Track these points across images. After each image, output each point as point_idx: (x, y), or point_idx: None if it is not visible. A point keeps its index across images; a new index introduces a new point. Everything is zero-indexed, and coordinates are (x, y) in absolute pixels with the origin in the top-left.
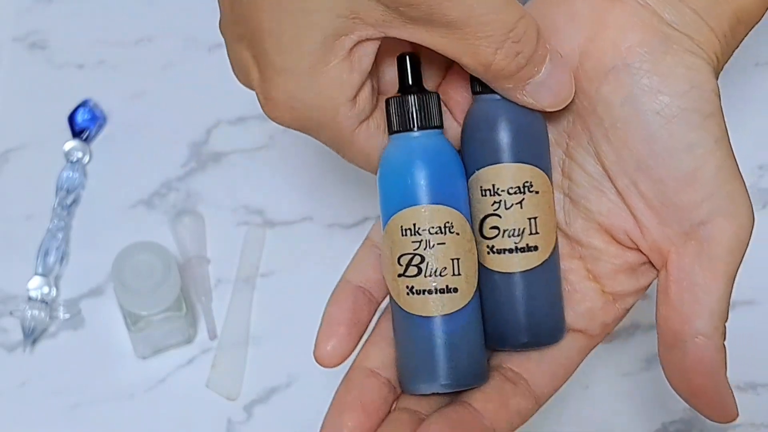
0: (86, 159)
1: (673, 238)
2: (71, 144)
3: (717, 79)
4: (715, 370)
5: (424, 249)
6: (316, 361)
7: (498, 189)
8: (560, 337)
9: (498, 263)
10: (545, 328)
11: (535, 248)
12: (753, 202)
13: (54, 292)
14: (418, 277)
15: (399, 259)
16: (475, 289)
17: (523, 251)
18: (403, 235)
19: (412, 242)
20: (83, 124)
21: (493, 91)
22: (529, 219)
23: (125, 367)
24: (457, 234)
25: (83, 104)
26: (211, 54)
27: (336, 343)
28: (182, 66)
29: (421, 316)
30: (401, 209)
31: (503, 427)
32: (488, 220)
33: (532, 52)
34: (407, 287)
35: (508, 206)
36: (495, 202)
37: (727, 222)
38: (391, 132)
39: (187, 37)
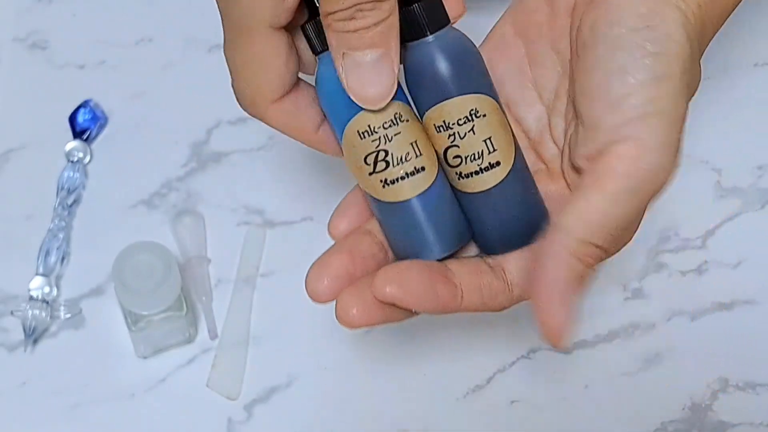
0: (87, 159)
1: (589, 157)
2: (72, 144)
3: (695, 31)
4: (559, 277)
5: (385, 144)
6: (330, 233)
7: (449, 123)
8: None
9: (469, 185)
10: (536, 226)
11: (498, 164)
12: (752, 202)
13: (55, 291)
14: (387, 170)
15: (365, 159)
16: (437, 163)
17: (488, 170)
18: (361, 138)
19: (372, 141)
20: (84, 125)
21: (418, 36)
22: (485, 141)
23: (126, 367)
24: (407, 120)
25: (84, 104)
26: (211, 54)
27: (348, 220)
28: (182, 66)
29: (400, 201)
30: (351, 117)
31: (471, 291)
32: (449, 151)
33: (364, 26)
34: (381, 181)
35: (462, 136)
36: (450, 135)
37: (634, 147)
38: (315, 53)
39: (187, 37)
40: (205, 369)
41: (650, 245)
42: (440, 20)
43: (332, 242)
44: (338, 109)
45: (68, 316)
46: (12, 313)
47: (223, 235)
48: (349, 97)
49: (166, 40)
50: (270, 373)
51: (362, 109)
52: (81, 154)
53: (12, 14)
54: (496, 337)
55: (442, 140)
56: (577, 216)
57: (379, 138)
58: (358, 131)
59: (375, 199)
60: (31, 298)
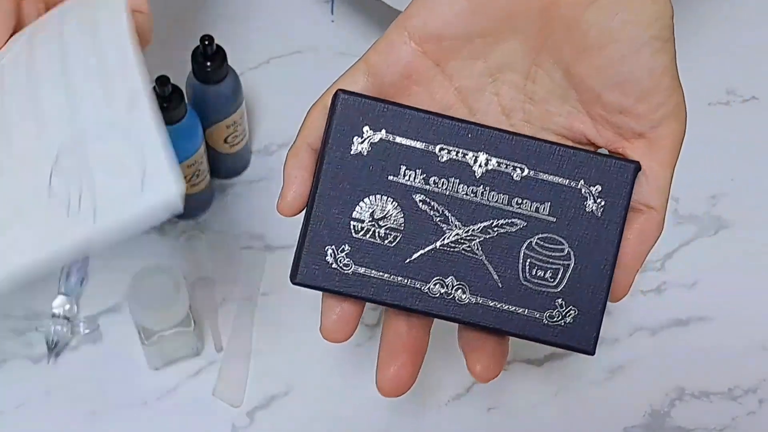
0: None
1: (627, 137)
2: None
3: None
4: (653, 239)
5: None
6: (279, 211)
7: None
8: None
9: None
10: None
11: None
12: (707, 228)
13: (75, 309)
14: None
15: None
16: None
17: None
18: None
19: None
20: None
21: None
22: None
23: (139, 378)
24: None
25: None
26: None
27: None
28: None
29: None
30: None
31: None
32: None
33: None
34: None
35: None
36: None
37: (673, 123)
38: None
39: None
40: (212, 379)
41: None
42: None
43: None
44: None
45: (87, 331)
46: (36, 328)
47: (227, 259)
48: None
49: (175, 80)
50: (270, 382)
51: None
52: None
53: None
54: None
55: None
56: (659, 193)
57: None
58: None
59: None
60: (53, 315)
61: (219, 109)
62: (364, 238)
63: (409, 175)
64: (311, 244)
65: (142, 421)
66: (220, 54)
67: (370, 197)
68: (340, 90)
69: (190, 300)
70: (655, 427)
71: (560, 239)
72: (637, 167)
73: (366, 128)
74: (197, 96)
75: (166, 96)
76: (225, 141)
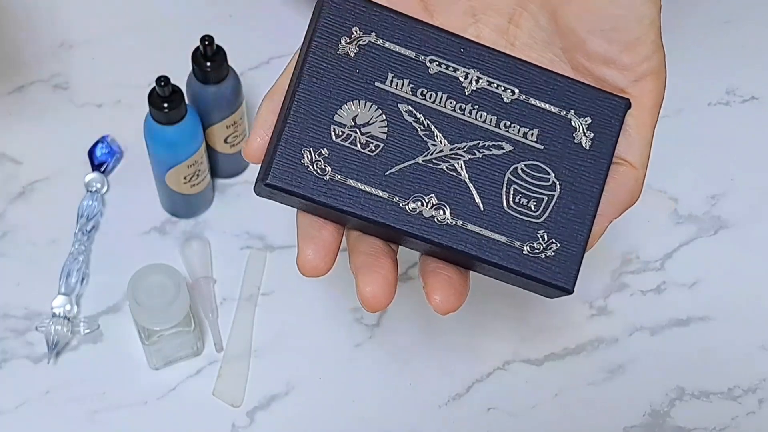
0: (104, 189)
1: (608, 90)
2: (91, 176)
3: None
4: (630, 193)
5: None
6: (244, 155)
7: None
8: None
9: None
10: None
11: None
12: (706, 228)
13: (75, 309)
14: None
15: None
16: None
17: None
18: None
19: None
20: (102, 158)
21: None
22: None
23: (139, 377)
24: None
25: (101, 140)
26: None
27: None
28: None
29: None
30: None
31: None
32: None
33: None
34: None
35: None
36: None
37: (654, 80)
38: None
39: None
40: (212, 379)
41: (614, 267)
42: None
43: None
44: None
45: (87, 331)
46: (36, 328)
47: (227, 258)
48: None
49: (175, 82)
50: (270, 382)
51: None
52: (99, 185)
53: (37, 58)
54: (474, 350)
55: None
56: (639, 153)
57: None
58: None
59: None
60: (53, 315)
61: (219, 109)
62: (344, 144)
63: (397, 84)
64: (287, 144)
65: (142, 420)
66: (220, 54)
67: (354, 101)
68: None
69: (190, 300)
70: (655, 427)
71: (546, 168)
72: (628, 104)
73: (355, 29)
74: (197, 96)
75: (166, 96)
76: (225, 141)
